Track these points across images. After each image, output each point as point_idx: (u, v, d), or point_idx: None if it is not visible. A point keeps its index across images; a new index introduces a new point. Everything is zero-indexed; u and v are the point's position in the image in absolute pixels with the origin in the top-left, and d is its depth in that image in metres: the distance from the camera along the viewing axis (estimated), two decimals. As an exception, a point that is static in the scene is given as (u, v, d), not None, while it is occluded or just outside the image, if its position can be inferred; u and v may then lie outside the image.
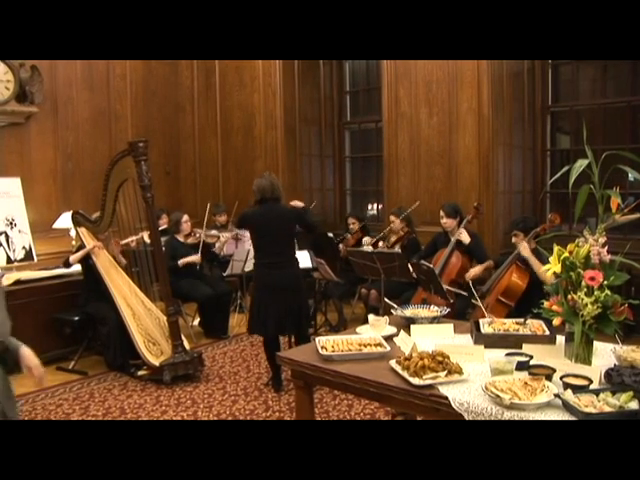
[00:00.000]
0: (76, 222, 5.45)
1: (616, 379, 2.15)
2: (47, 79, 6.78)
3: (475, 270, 5.04)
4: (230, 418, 4.16)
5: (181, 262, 5.95)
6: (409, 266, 5.01)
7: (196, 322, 6.55)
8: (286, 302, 4.44)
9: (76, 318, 5.32)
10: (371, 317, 3.13)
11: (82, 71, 7.26)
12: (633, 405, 1.92)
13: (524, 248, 4.40)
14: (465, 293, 4.82)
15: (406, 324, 3.08)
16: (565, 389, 2.05)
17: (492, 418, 2.01)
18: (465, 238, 5.13)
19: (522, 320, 2.89)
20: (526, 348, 2.52)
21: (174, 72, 8.49)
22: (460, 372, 2.28)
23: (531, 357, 2.41)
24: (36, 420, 4.22)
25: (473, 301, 4.60)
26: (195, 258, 6.06)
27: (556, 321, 2.46)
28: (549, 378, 2.19)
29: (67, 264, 5.37)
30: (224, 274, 6.61)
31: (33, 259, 6.12)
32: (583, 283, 2.33)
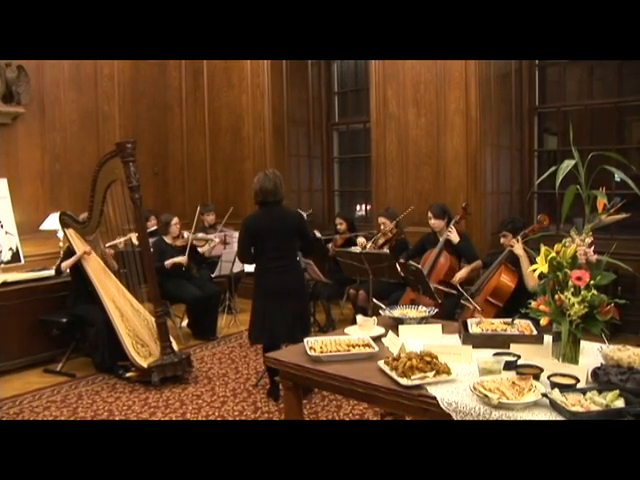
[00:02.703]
0: (64, 223, 5.41)
1: (603, 378, 2.17)
2: (34, 79, 6.72)
3: (462, 273, 5.06)
4: (219, 419, 4.15)
5: (167, 262, 5.92)
6: (397, 266, 5.01)
7: (184, 323, 6.54)
8: (291, 307, 4.29)
9: (64, 320, 5.29)
10: (359, 318, 3.14)
11: (69, 71, 7.20)
12: (619, 403, 1.94)
13: (518, 247, 4.43)
14: (455, 292, 4.83)
15: (394, 324, 3.08)
16: (552, 388, 2.07)
17: (480, 418, 2.02)
18: (454, 237, 5.14)
19: (510, 320, 2.90)
20: (514, 348, 2.53)
21: (162, 72, 8.45)
22: (448, 372, 2.29)
23: (519, 357, 2.42)
24: (24, 420, 4.18)
25: (463, 301, 4.62)
26: (181, 259, 6.03)
27: (543, 321, 2.47)
28: (537, 377, 2.20)
29: (59, 272, 5.29)
30: (212, 275, 6.59)
31: (20, 261, 6.07)
32: (570, 283, 2.35)
